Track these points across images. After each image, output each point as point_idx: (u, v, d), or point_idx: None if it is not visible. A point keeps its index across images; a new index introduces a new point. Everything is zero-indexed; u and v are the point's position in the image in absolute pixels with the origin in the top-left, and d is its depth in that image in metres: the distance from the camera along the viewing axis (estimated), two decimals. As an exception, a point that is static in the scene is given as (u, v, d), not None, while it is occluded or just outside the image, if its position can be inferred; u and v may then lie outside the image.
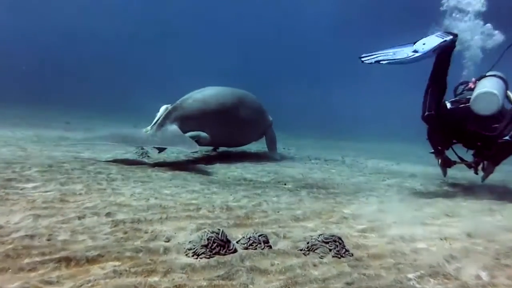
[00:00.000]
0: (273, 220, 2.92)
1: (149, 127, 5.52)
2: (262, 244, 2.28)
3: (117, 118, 14.61)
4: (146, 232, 2.41)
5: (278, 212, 3.20)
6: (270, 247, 2.29)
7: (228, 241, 2.21)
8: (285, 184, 4.63)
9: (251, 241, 2.28)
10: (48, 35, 30.71)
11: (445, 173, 5.53)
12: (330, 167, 6.87)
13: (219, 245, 2.15)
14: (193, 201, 3.32)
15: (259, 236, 2.33)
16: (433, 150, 5.33)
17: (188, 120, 5.76)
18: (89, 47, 31.18)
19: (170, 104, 5.90)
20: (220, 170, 5.26)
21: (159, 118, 5.63)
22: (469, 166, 5.13)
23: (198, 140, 5.73)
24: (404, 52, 4.22)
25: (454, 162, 5.14)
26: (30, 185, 3.43)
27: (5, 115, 10.83)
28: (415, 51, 4.20)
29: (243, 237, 2.33)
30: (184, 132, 5.59)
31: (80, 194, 3.21)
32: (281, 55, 34.69)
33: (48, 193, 3.16)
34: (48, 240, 2.10)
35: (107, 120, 13.33)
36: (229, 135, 6.52)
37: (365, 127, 17.73)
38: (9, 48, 27.12)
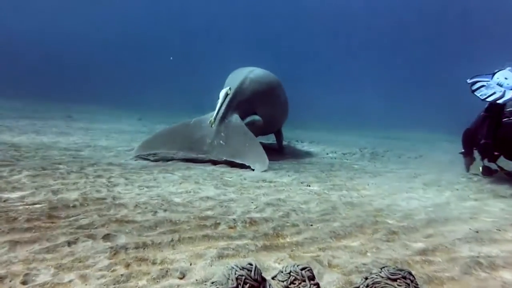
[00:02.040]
0: (309, 239, 2.36)
1: (212, 118, 5.11)
2: (307, 281, 1.72)
3: (120, 113, 14.14)
4: (154, 263, 1.87)
5: (311, 225, 2.64)
6: (318, 285, 1.73)
7: (263, 280, 1.66)
8: (308, 185, 4.07)
9: (292, 278, 1.72)
10: (50, 34, 30.34)
11: (468, 169, 5.63)
12: (351, 162, 6.30)
13: (252, 286, 1.60)
14: (209, 212, 2.78)
15: (301, 269, 1.77)
16: (463, 151, 5.65)
17: (245, 103, 5.48)
18: (90, 45, 30.84)
19: (228, 87, 5.51)
20: (234, 168, 4.71)
21: (221, 106, 5.24)
22: (509, 175, 5.07)
23: (253, 124, 5.49)
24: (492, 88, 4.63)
25: (496, 171, 5.12)
26: (17, 194, 2.91)
27: (4, 110, 10.35)
28: (500, 85, 4.61)
29: (281, 272, 1.78)
30: (243, 117, 5.32)
31: (74, 206, 2.68)
32: (287, 50, 34.08)
33: (36, 205, 2.63)
34: (23, 283, 1.56)
35: (111, 116, 12.86)
36: (271, 118, 6.14)
37: (365, 120, 17.18)
38: (13, 46, 26.79)
